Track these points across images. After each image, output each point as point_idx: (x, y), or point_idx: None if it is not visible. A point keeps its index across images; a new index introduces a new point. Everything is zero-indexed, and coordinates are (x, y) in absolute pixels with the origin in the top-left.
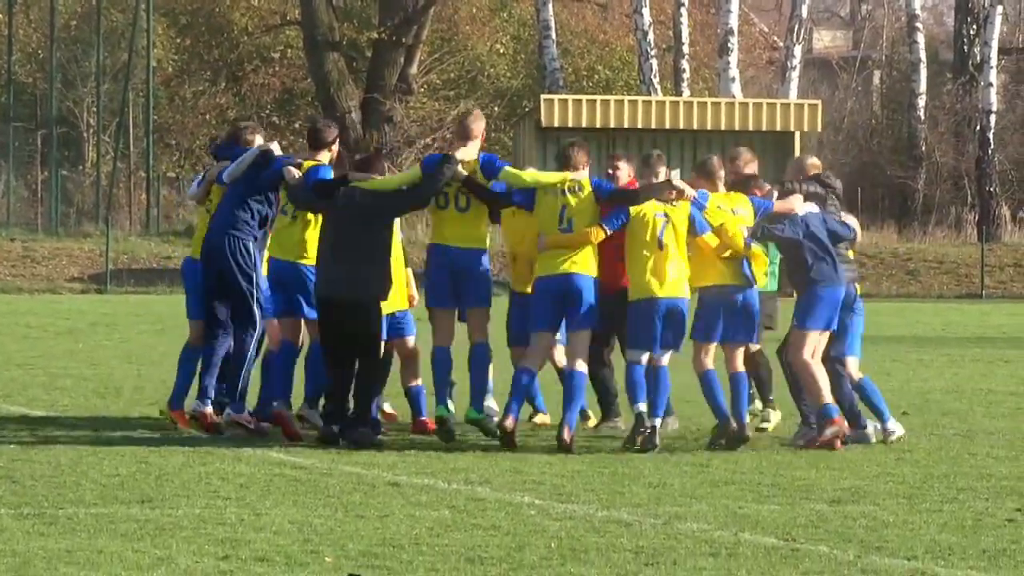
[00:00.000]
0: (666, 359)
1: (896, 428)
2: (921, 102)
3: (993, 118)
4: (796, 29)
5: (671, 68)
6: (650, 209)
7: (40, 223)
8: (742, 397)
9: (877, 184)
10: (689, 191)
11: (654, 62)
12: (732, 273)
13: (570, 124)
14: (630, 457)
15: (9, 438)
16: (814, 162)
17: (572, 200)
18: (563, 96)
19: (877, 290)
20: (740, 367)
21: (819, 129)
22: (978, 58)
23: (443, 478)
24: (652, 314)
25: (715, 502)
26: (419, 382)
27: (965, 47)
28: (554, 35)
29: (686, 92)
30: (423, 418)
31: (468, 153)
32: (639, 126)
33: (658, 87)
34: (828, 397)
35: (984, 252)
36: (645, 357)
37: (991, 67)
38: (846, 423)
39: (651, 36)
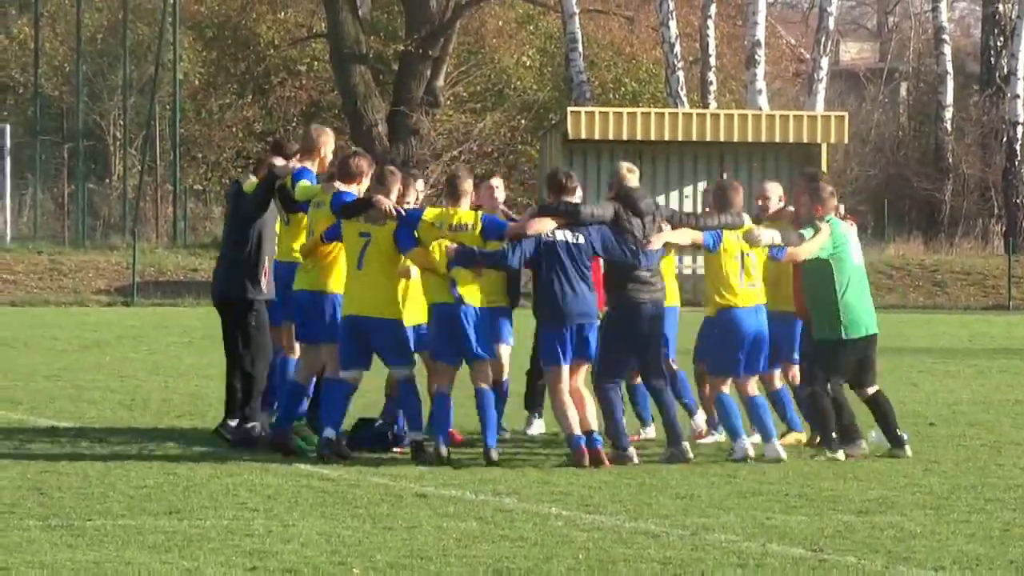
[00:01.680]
0: (403, 373)
1: (772, 451)
2: (948, 114)
3: (1020, 130)
4: (823, 41)
5: (698, 80)
6: (354, 228)
7: (67, 236)
8: (439, 417)
9: (904, 196)
10: (387, 207)
11: (681, 74)
12: (443, 291)
13: (597, 136)
14: (657, 468)
15: (37, 450)
16: (626, 172)
17: (317, 214)
18: (590, 108)
19: (904, 301)
20: (445, 389)
21: (846, 141)
22: (1005, 70)
23: (470, 489)
24: (349, 332)
25: (743, 513)
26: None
27: (992, 59)
28: (581, 47)
29: (713, 104)
30: (450, 429)
31: (288, 165)
32: (666, 138)
33: (685, 99)
34: (576, 429)
35: (1011, 263)
36: (350, 375)
37: (1018, 79)
38: (587, 457)
39: (678, 48)
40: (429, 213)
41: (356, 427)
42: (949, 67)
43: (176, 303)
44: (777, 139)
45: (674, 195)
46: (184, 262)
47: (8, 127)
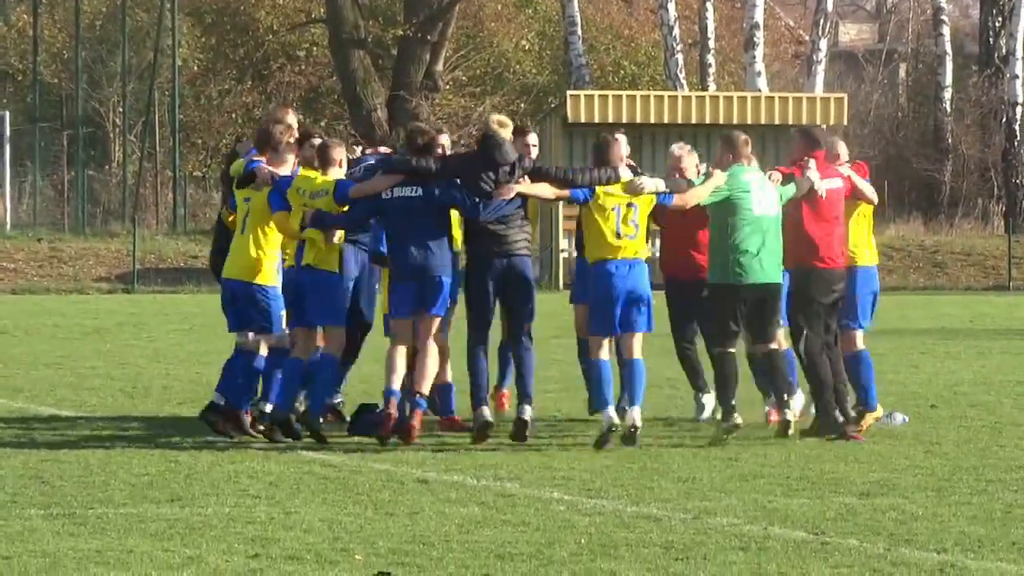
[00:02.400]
0: (253, 342)
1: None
2: (947, 95)
3: (1019, 110)
4: (822, 23)
5: (697, 63)
6: (241, 195)
7: (67, 223)
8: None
9: (903, 177)
10: (265, 174)
11: (680, 57)
12: (295, 255)
13: (596, 120)
14: (659, 452)
15: (38, 438)
16: (495, 124)
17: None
18: (589, 92)
19: (904, 282)
20: (299, 354)
21: (845, 122)
22: (1004, 50)
23: (472, 474)
24: (224, 296)
25: (744, 496)
26: (448, 378)
27: (991, 39)
28: (580, 31)
29: (712, 87)
30: (452, 415)
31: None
32: (665, 121)
33: (684, 82)
34: (395, 384)
35: (1011, 244)
36: (239, 340)
37: (1017, 59)
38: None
39: (677, 31)
40: (298, 179)
41: (357, 412)
42: (948, 48)
43: (176, 290)
44: (776, 121)
45: None
46: (184, 248)
47: (7, 114)
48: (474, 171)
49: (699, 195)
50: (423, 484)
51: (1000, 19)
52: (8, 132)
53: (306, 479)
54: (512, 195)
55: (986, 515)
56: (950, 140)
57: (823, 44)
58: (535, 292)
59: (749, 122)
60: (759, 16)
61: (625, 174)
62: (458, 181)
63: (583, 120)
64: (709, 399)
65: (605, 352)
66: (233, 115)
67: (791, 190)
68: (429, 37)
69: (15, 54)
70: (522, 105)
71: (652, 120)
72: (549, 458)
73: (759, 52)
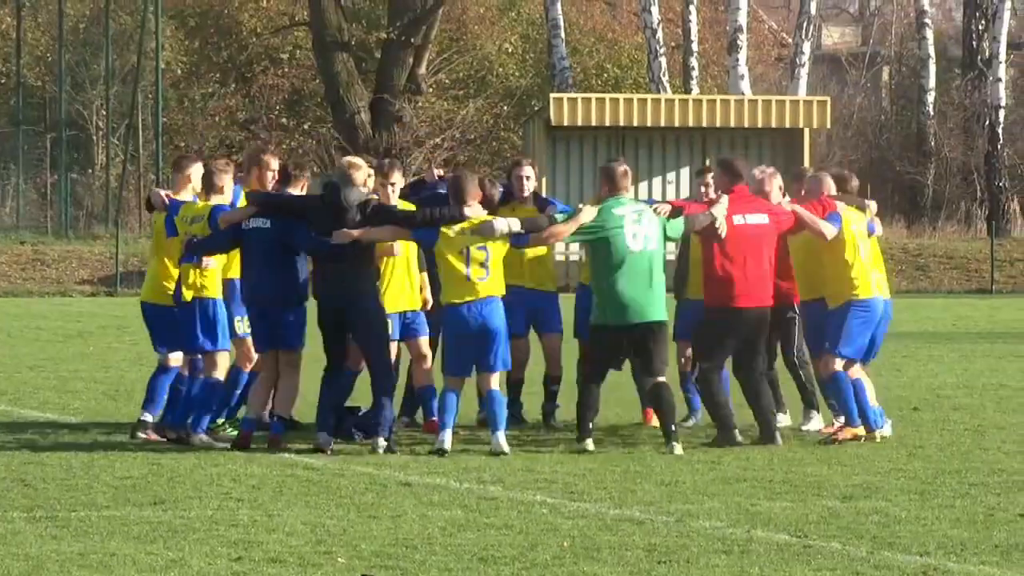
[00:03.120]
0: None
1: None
2: (930, 98)
3: (1002, 113)
4: (805, 26)
5: (680, 66)
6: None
7: (50, 226)
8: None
9: (886, 180)
10: (158, 199)
11: (663, 60)
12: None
13: (579, 123)
14: (642, 455)
15: (21, 441)
16: (347, 166)
17: None
18: (572, 95)
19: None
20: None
21: (828, 125)
22: (987, 53)
23: (455, 478)
24: (143, 317)
25: (727, 499)
26: (431, 383)
27: (974, 42)
28: (563, 34)
29: (695, 90)
30: (434, 419)
31: None
32: (648, 124)
33: (667, 85)
34: (252, 412)
35: (994, 247)
36: (160, 357)
37: (1000, 62)
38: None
39: (660, 34)
40: (184, 206)
41: (340, 416)
42: (931, 51)
43: None
44: (760, 124)
45: (657, 181)
46: None
47: None
48: (319, 212)
49: (559, 233)
50: (406, 487)
51: (983, 22)
52: None
53: (289, 482)
54: (349, 240)
55: (968, 518)
56: (933, 143)
57: (806, 47)
58: (377, 331)
59: (732, 125)
60: (742, 19)
61: (475, 213)
62: (305, 219)
63: (566, 123)
64: (784, 418)
65: (459, 385)
66: (216, 118)
67: (680, 224)
68: (412, 40)
69: None
70: (505, 108)
71: (635, 123)
72: (532, 461)
73: (742, 55)
